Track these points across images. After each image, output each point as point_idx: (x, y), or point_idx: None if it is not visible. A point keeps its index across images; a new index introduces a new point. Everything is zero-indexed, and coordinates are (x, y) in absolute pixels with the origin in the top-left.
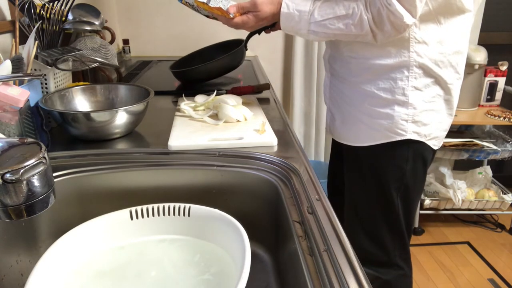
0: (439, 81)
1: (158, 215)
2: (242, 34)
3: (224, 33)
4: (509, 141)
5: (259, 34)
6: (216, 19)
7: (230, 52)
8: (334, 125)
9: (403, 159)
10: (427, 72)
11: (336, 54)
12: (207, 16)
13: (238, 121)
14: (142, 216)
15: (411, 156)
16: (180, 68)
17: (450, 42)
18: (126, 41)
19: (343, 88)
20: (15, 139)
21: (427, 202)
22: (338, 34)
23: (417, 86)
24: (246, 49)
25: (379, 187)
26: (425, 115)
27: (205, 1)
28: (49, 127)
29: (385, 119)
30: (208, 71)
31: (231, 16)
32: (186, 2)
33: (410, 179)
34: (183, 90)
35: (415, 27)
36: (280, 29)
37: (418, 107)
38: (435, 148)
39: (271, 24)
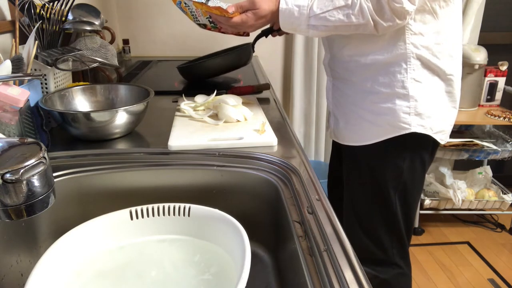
0: (438, 72)
1: (158, 215)
2: (241, 39)
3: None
4: (509, 141)
5: (266, 37)
6: (215, 26)
7: (238, 49)
8: (338, 128)
9: (400, 158)
10: (425, 63)
11: (336, 57)
12: (204, 26)
13: (238, 121)
14: (142, 216)
15: (409, 155)
16: (188, 71)
17: (446, 33)
18: (126, 41)
19: (346, 88)
20: (15, 139)
21: (427, 202)
22: (338, 26)
23: (416, 78)
24: (253, 51)
25: (376, 185)
26: (427, 107)
27: (203, 1)
28: (49, 127)
29: (387, 114)
30: (215, 67)
31: (230, 13)
32: (185, 4)
33: (408, 177)
34: (184, 90)
35: (410, 19)
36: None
37: (419, 99)
38: (442, 142)
39: (278, 28)
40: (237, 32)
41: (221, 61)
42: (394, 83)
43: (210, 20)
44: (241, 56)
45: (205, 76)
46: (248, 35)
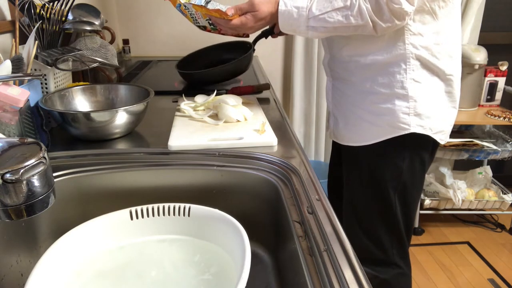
0: (437, 73)
1: (158, 215)
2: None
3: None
4: (509, 141)
5: (266, 38)
6: (215, 28)
7: (240, 58)
8: (337, 128)
9: (400, 158)
10: (424, 63)
11: (335, 57)
12: (204, 28)
13: (238, 121)
14: (142, 216)
15: (408, 155)
16: (187, 68)
17: (446, 33)
18: (126, 41)
19: (345, 89)
20: (15, 139)
21: (427, 202)
22: (338, 27)
23: (416, 78)
24: (254, 51)
25: (376, 185)
26: (426, 107)
27: (203, 4)
28: (49, 127)
29: (386, 114)
30: (215, 75)
31: (230, 16)
32: (185, 7)
33: (407, 177)
34: (184, 90)
35: (410, 19)
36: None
37: (418, 99)
38: (442, 142)
39: (279, 31)
40: (236, 33)
41: (222, 70)
42: (394, 84)
43: (210, 22)
44: (242, 64)
45: (205, 83)
46: (247, 36)
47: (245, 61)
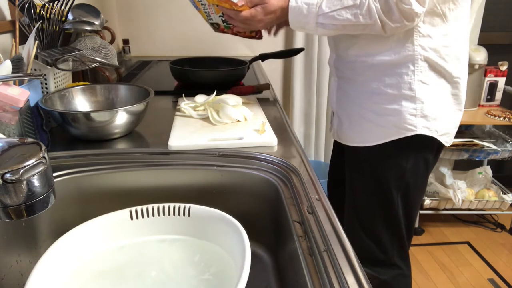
0: (444, 75)
1: (158, 215)
2: (242, 42)
3: (225, 35)
4: (509, 141)
5: (262, 61)
6: (228, 26)
7: (233, 68)
8: (341, 129)
9: (403, 158)
10: (432, 66)
11: (341, 56)
12: (218, 26)
13: (238, 121)
14: (142, 216)
15: (412, 156)
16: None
17: (454, 35)
18: (126, 41)
19: (350, 89)
20: (15, 139)
21: (427, 202)
22: (346, 25)
23: (423, 80)
24: (248, 69)
25: (379, 185)
26: (433, 109)
27: None
28: (49, 127)
29: (392, 115)
30: (206, 78)
31: (239, 6)
32: (198, 1)
33: (410, 178)
34: (183, 90)
35: (420, 20)
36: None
37: (426, 101)
38: (447, 144)
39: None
40: (249, 31)
41: (215, 74)
42: (401, 85)
43: (223, 19)
44: (236, 73)
45: (192, 83)
46: (260, 37)
47: (239, 72)
